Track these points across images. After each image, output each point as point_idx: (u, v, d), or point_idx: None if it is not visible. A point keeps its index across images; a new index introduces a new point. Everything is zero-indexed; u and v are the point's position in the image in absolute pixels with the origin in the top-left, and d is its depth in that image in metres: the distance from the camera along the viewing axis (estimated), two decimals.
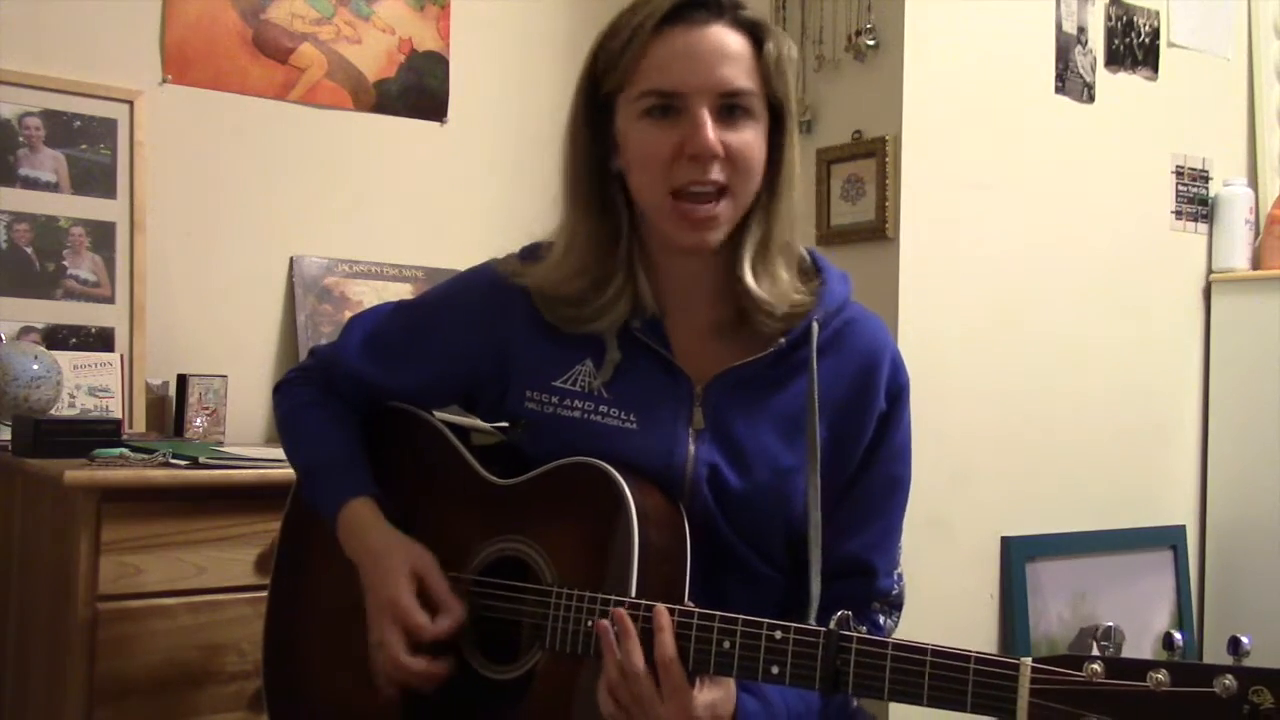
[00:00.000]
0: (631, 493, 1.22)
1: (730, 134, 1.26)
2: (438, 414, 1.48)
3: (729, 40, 1.27)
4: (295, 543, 1.53)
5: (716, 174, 1.25)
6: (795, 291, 1.32)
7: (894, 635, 1.27)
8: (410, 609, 1.29)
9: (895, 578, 1.38)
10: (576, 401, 1.32)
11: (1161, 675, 0.88)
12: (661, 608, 1.14)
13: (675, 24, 1.26)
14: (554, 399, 1.33)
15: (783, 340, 1.30)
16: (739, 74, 1.26)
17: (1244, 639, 0.86)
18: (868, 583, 1.35)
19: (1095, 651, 0.92)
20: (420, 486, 1.43)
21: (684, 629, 1.14)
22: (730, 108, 1.26)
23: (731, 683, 1.18)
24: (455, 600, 1.30)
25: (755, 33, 1.29)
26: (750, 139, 1.27)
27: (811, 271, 1.37)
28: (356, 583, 1.39)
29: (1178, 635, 0.89)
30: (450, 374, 1.43)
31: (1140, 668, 0.90)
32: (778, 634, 1.10)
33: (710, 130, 1.24)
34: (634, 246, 1.34)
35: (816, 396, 1.29)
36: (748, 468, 1.29)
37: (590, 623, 1.19)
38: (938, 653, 1.01)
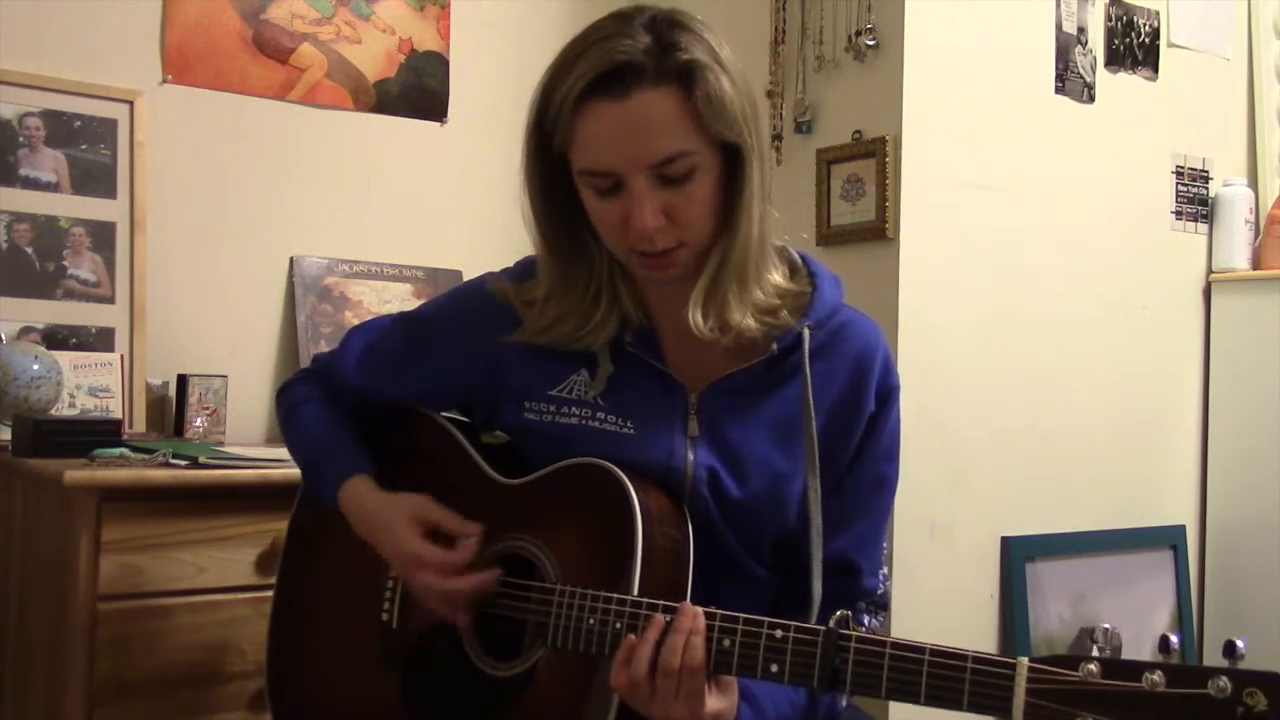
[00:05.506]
0: (636, 493, 1.23)
1: (674, 195, 1.23)
2: (445, 413, 1.49)
3: (652, 106, 1.20)
4: (301, 545, 1.54)
5: (664, 242, 1.24)
6: (767, 304, 1.30)
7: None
8: (425, 552, 1.30)
9: (880, 577, 1.39)
10: (573, 409, 1.33)
11: (1157, 676, 0.89)
12: (698, 611, 1.14)
13: (598, 96, 1.20)
14: (551, 407, 1.34)
15: (775, 348, 1.31)
16: (666, 140, 1.20)
17: (1239, 643, 0.87)
18: (852, 581, 1.35)
19: (1093, 651, 0.93)
20: (427, 484, 1.43)
21: None
22: (671, 173, 1.22)
23: (736, 691, 1.19)
24: (466, 523, 1.32)
25: (683, 79, 1.21)
26: (697, 193, 1.24)
27: (802, 274, 1.37)
28: (363, 583, 1.41)
29: (1173, 638, 0.90)
30: (444, 387, 1.46)
31: (1136, 669, 0.91)
32: (778, 633, 1.10)
33: (648, 213, 1.21)
34: (614, 267, 1.34)
35: (812, 402, 1.30)
36: (745, 474, 1.30)
37: (593, 621, 1.20)
38: (936, 652, 1.02)
